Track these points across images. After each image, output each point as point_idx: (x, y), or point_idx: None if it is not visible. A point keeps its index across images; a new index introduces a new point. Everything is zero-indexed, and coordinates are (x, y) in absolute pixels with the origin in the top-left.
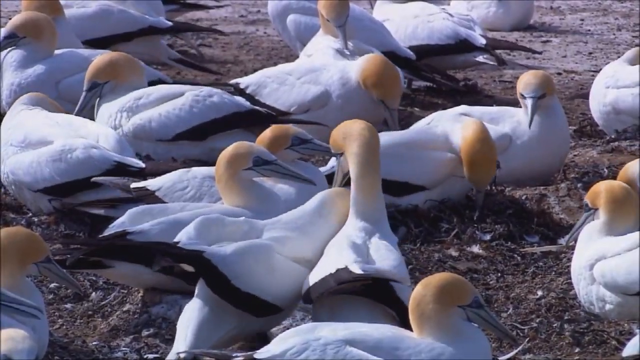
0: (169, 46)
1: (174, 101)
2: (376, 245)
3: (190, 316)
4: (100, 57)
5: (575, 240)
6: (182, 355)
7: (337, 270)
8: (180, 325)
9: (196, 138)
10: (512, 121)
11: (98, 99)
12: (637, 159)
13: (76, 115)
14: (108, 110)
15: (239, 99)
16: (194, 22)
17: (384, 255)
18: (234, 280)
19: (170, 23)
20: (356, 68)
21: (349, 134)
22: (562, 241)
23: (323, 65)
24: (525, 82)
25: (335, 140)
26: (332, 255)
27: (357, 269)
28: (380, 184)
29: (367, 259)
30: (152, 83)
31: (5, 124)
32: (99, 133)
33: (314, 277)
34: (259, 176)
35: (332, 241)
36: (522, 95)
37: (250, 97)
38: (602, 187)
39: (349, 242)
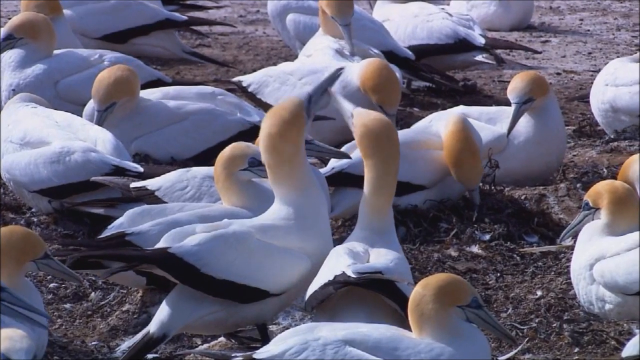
0: None
1: (178, 127)
2: (378, 250)
3: (170, 295)
4: (112, 76)
5: (574, 237)
6: (154, 336)
7: (335, 276)
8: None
9: (203, 162)
10: (509, 121)
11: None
12: (637, 155)
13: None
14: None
15: (240, 114)
16: None
17: (381, 255)
18: (204, 268)
19: (185, 17)
20: (356, 71)
21: (376, 139)
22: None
23: (325, 66)
24: (512, 86)
25: (357, 131)
26: (329, 264)
27: (351, 272)
28: (392, 198)
29: (364, 262)
30: (151, 83)
31: (4, 120)
32: (97, 137)
33: (314, 286)
34: (256, 177)
35: (333, 251)
36: (509, 98)
37: (251, 96)
38: (605, 188)
39: (346, 250)
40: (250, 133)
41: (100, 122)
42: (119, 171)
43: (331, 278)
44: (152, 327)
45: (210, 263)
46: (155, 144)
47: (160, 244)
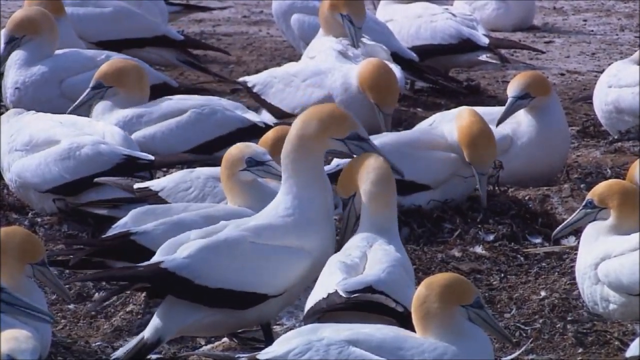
0: None
1: (178, 119)
2: (375, 252)
3: (165, 300)
4: (114, 61)
5: (576, 237)
6: (149, 341)
7: (329, 294)
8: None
9: (201, 154)
10: (512, 122)
11: (98, 100)
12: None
13: (71, 111)
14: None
15: (240, 112)
16: (197, 23)
17: (376, 260)
18: (198, 279)
19: (182, 37)
20: (356, 72)
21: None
22: (565, 241)
23: (328, 68)
24: (511, 82)
25: (345, 179)
26: (323, 278)
27: (342, 292)
28: (395, 197)
29: (359, 272)
30: (157, 87)
31: (6, 132)
32: (104, 130)
33: (312, 298)
34: (257, 177)
35: (329, 260)
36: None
37: (256, 96)
38: (616, 189)
39: (341, 260)
40: (250, 131)
41: (84, 100)
42: (130, 161)
43: (324, 296)
44: (147, 332)
45: (203, 274)
46: (155, 135)
47: (155, 258)
